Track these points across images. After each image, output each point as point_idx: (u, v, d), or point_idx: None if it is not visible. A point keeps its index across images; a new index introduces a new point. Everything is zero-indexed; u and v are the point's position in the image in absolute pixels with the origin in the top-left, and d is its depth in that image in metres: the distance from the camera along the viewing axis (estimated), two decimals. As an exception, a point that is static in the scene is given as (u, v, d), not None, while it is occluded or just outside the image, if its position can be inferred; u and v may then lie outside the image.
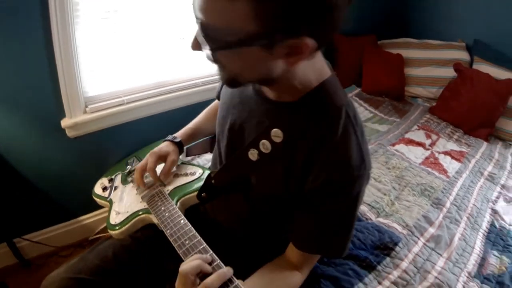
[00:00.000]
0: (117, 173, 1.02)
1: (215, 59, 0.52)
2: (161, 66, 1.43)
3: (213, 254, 0.59)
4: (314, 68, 0.59)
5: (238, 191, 0.73)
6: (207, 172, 0.90)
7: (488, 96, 1.78)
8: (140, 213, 0.82)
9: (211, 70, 1.47)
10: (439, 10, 2.18)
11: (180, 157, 0.94)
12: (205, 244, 0.62)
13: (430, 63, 2.07)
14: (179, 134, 0.92)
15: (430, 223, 1.13)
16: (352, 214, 0.63)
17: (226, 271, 0.54)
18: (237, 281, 0.53)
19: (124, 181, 0.97)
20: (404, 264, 0.97)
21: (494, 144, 1.78)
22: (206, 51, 0.50)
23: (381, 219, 1.12)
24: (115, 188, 0.97)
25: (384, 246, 1.01)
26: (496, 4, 1.92)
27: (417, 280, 0.94)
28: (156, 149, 0.85)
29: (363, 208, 1.15)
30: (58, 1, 1.04)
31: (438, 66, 2.04)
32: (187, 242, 0.64)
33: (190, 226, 0.68)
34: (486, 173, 1.51)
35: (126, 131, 1.40)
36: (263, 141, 0.62)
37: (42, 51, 1.12)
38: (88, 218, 1.54)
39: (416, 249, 1.02)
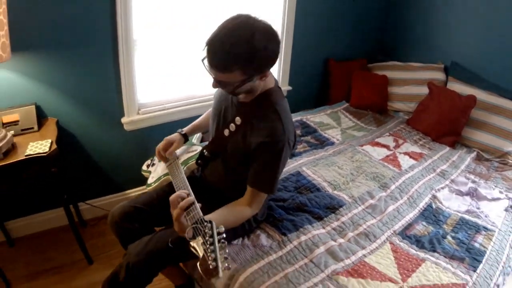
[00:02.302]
0: (155, 156, 1.56)
1: (230, 91, 1.04)
2: (191, 83, 2.00)
3: (191, 191, 1.05)
4: (265, 83, 1.10)
5: (218, 158, 1.23)
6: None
7: (451, 109, 2.16)
8: (162, 176, 1.35)
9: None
10: (423, 37, 2.58)
11: (194, 141, 1.47)
12: (188, 186, 1.09)
13: (411, 83, 2.47)
14: (185, 128, 1.43)
15: (372, 197, 1.55)
16: (277, 163, 1.09)
17: (192, 197, 1.00)
18: (198, 208, 0.95)
19: (159, 160, 1.50)
20: (344, 219, 1.41)
21: (458, 149, 2.14)
22: (224, 88, 1.04)
23: (335, 192, 1.57)
24: (153, 164, 1.52)
25: (332, 207, 1.46)
26: (471, 31, 2.30)
27: (350, 229, 1.37)
28: (168, 136, 1.36)
29: (323, 184, 1.60)
30: (124, 39, 1.65)
31: (417, 85, 2.44)
32: (181, 186, 1.12)
33: (186, 179, 1.15)
34: (438, 170, 1.89)
35: (165, 128, 1.95)
36: (231, 124, 1.14)
37: (112, 70, 1.72)
38: (133, 192, 2.11)
39: (355, 211, 1.46)
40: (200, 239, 0.83)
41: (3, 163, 1.33)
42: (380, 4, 2.70)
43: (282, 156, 1.09)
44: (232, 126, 1.14)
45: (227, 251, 0.79)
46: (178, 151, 1.38)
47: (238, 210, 1.15)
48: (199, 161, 1.30)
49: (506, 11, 2.10)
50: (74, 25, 1.55)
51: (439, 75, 2.43)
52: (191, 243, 0.84)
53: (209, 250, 0.78)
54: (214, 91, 1.30)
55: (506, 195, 1.76)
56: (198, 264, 0.79)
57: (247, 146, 1.11)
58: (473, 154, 2.11)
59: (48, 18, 1.48)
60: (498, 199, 1.73)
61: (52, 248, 1.83)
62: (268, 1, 2.12)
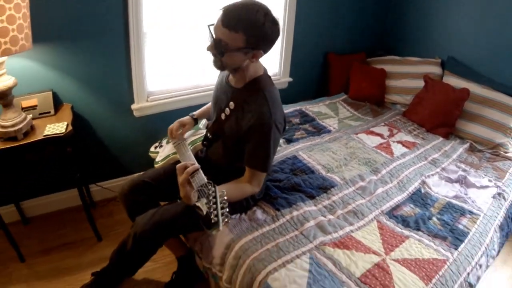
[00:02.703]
0: (163, 139, 1.69)
1: (219, 57, 1.15)
2: (195, 74, 2.12)
3: (196, 163, 1.18)
4: (255, 70, 1.22)
5: (219, 139, 1.35)
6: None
7: (445, 101, 2.24)
8: (171, 154, 1.47)
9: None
10: (422, 32, 2.67)
11: (200, 126, 1.59)
12: (194, 160, 1.22)
13: (408, 76, 2.56)
14: (196, 112, 1.57)
15: (363, 179, 1.66)
16: (267, 143, 1.21)
17: (197, 165, 1.14)
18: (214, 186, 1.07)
19: (167, 142, 1.63)
20: (334, 198, 1.52)
21: (452, 140, 2.22)
22: (215, 52, 1.14)
23: (328, 174, 1.68)
24: (161, 146, 1.64)
25: (324, 187, 1.57)
26: (468, 27, 2.38)
27: (340, 207, 1.48)
28: (180, 119, 1.50)
29: (317, 167, 1.71)
30: (135, 32, 1.77)
31: (414, 78, 2.52)
32: (187, 160, 1.23)
33: (192, 156, 1.29)
34: (430, 158, 1.98)
35: (171, 115, 2.07)
36: (226, 108, 1.27)
37: (123, 61, 1.84)
38: (140, 176, 2.24)
39: (346, 191, 1.57)
40: (204, 200, 0.95)
41: (23, 142, 1.47)
42: (380, 2, 2.78)
43: (271, 137, 1.20)
44: (227, 111, 1.28)
45: (227, 210, 0.91)
46: (186, 134, 1.51)
47: (240, 186, 1.28)
48: (204, 142, 1.43)
49: (501, 7, 2.17)
50: (90, 19, 1.68)
51: (436, 69, 2.51)
52: (196, 203, 0.96)
53: (212, 209, 0.90)
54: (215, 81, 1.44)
55: (495, 183, 1.83)
56: (200, 221, 0.91)
57: (239, 129, 1.24)
58: (466, 145, 2.19)
59: (66, 12, 1.61)
60: (487, 187, 1.81)
61: (64, 227, 1.97)
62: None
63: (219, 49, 1.12)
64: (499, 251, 1.61)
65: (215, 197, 0.94)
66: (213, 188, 0.97)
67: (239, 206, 1.41)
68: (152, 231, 1.27)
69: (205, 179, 1.06)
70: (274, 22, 1.12)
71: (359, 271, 1.18)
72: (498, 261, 1.94)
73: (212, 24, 1.13)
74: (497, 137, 2.15)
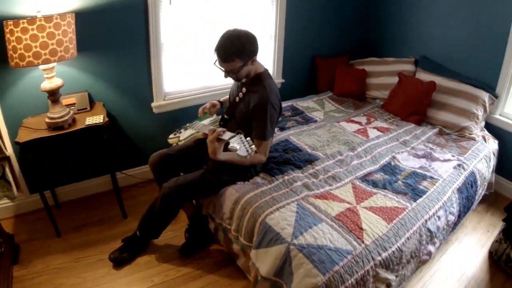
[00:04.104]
0: (181, 128, 2.09)
1: (235, 76, 1.61)
2: (205, 77, 2.53)
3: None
4: (256, 69, 1.65)
5: (233, 118, 1.76)
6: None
7: (415, 93, 2.62)
8: (192, 134, 1.87)
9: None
10: (398, 36, 3.08)
11: (205, 122, 2.00)
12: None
13: (386, 74, 2.94)
14: (222, 99, 1.99)
15: (341, 154, 2.04)
16: (265, 117, 1.62)
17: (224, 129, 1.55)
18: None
19: (185, 129, 2.03)
20: (317, 168, 1.90)
21: (423, 126, 2.58)
22: (230, 75, 1.60)
23: (313, 151, 2.06)
24: (180, 132, 2.05)
25: (310, 161, 1.95)
26: (436, 29, 2.77)
27: (322, 174, 1.86)
28: (212, 101, 1.93)
29: (305, 147, 2.10)
30: (154, 43, 2.19)
31: (391, 76, 2.91)
32: None
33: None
34: (401, 140, 2.35)
35: (185, 111, 2.50)
36: (240, 93, 1.70)
37: (145, 66, 2.26)
38: (157, 165, 2.62)
39: (327, 163, 1.95)
40: (237, 140, 1.40)
41: (69, 130, 1.86)
42: (361, 10, 3.21)
43: (268, 113, 1.62)
44: (240, 95, 1.73)
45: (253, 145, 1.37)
46: (205, 121, 1.93)
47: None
48: (221, 123, 1.85)
49: (464, 11, 2.56)
50: (118, 34, 2.10)
51: (409, 67, 2.90)
52: (230, 145, 1.39)
53: (245, 143, 1.36)
54: (223, 82, 2.02)
55: (457, 158, 2.19)
56: (236, 153, 1.36)
57: (247, 108, 1.68)
58: (436, 130, 2.55)
59: (101, 28, 2.03)
60: (449, 160, 2.16)
61: (92, 209, 2.31)
62: (261, 8, 2.64)
63: (231, 74, 1.61)
64: (460, 211, 1.95)
65: (244, 138, 1.41)
66: (241, 134, 1.42)
67: (243, 176, 1.79)
68: (176, 191, 1.65)
69: (231, 133, 1.49)
70: (251, 38, 1.57)
71: (334, 212, 1.55)
72: (469, 228, 2.28)
73: (215, 63, 1.62)
74: (462, 121, 2.49)
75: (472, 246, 2.13)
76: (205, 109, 1.90)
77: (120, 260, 1.84)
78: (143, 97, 2.34)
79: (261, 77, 1.70)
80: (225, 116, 1.84)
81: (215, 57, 1.60)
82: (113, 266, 1.86)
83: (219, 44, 1.56)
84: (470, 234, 2.23)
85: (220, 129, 1.51)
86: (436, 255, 1.98)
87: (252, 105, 1.65)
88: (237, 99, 1.77)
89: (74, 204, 2.36)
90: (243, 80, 1.71)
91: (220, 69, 1.61)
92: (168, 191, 1.64)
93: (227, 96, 2.00)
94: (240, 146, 1.38)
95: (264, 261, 1.43)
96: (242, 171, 1.76)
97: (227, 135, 1.47)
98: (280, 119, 1.79)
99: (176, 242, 2.03)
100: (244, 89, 1.73)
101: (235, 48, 1.52)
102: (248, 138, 1.42)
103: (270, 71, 2.88)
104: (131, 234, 1.92)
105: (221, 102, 1.97)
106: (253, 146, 1.38)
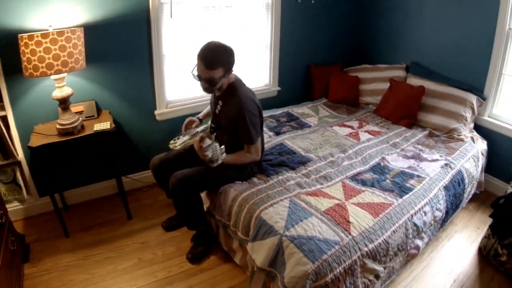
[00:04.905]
0: (179, 135, 2.22)
1: (212, 88, 1.73)
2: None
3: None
4: (229, 79, 1.78)
5: (219, 127, 1.90)
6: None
7: (406, 97, 2.75)
8: (186, 141, 2.00)
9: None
10: (390, 44, 3.23)
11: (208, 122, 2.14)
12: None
13: (378, 80, 3.08)
14: (200, 115, 2.12)
15: (333, 156, 2.15)
16: (247, 124, 1.74)
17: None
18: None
19: (183, 136, 2.16)
20: (310, 168, 2.01)
21: (414, 129, 2.69)
22: (209, 86, 1.73)
23: (307, 154, 2.18)
24: (178, 138, 2.18)
25: (303, 162, 2.07)
26: (427, 37, 2.90)
27: (314, 174, 1.97)
28: (189, 117, 2.05)
29: (298, 149, 2.22)
30: (157, 55, 2.34)
31: (383, 82, 3.04)
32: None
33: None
34: (391, 142, 2.46)
35: (185, 118, 2.57)
36: (218, 105, 1.84)
37: (148, 77, 2.41)
38: (160, 169, 2.74)
39: (319, 164, 2.07)
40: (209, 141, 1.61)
41: (79, 136, 1.99)
42: (353, 20, 3.37)
43: (247, 120, 1.75)
44: (218, 107, 1.86)
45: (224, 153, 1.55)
46: (199, 129, 2.07)
47: (240, 154, 1.85)
48: (211, 130, 1.97)
49: (451, 19, 2.70)
50: (123, 46, 2.26)
51: (401, 73, 3.03)
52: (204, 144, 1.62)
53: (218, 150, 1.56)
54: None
55: (445, 158, 2.29)
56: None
57: (229, 118, 1.81)
58: (426, 132, 2.65)
59: (106, 41, 2.19)
60: (437, 160, 2.26)
61: (98, 211, 2.44)
62: (258, 19, 2.80)
63: (208, 83, 1.70)
64: (448, 208, 2.04)
65: (219, 146, 1.67)
66: (216, 143, 1.67)
67: (241, 177, 1.91)
68: (182, 177, 1.77)
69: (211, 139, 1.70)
70: (232, 52, 1.71)
71: (323, 207, 1.66)
72: (459, 225, 2.37)
73: (193, 71, 1.71)
74: (451, 123, 2.58)
75: (462, 243, 2.21)
76: (185, 127, 2.03)
77: (198, 255, 1.97)
78: (146, 105, 2.49)
79: (234, 86, 1.80)
80: (212, 125, 1.97)
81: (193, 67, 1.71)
82: (192, 262, 1.98)
83: (207, 51, 1.65)
84: (460, 231, 2.31)
85: (201, 136, 1.71)
86: (426, 251, 2.07)
87: (231, 115, 1.77)
88: (217, 111, 1.89)
89: (82, 206, 2.49)
90: (216, 93, 1.86)
91: (196, 77, 1.70)
92: (174, 180, 1.77)
93: (208, 108, 2.14)
94: (212, 154, 1.67)
95: (259, 253, 1.54)
96: (239, 168, 1.90)
97: (206, 143, 1.69)
98: (263, 119, 1.94)
99: (179, 241, 2.15)
100: (220, 102, 1.84)
101: (222, 58, 1.65)
102: (223, 147, 1.73)
103: (267, 80, 3.06)
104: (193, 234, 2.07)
105: (200, 119, 2.11)
106: (223, 155, 1.72)
